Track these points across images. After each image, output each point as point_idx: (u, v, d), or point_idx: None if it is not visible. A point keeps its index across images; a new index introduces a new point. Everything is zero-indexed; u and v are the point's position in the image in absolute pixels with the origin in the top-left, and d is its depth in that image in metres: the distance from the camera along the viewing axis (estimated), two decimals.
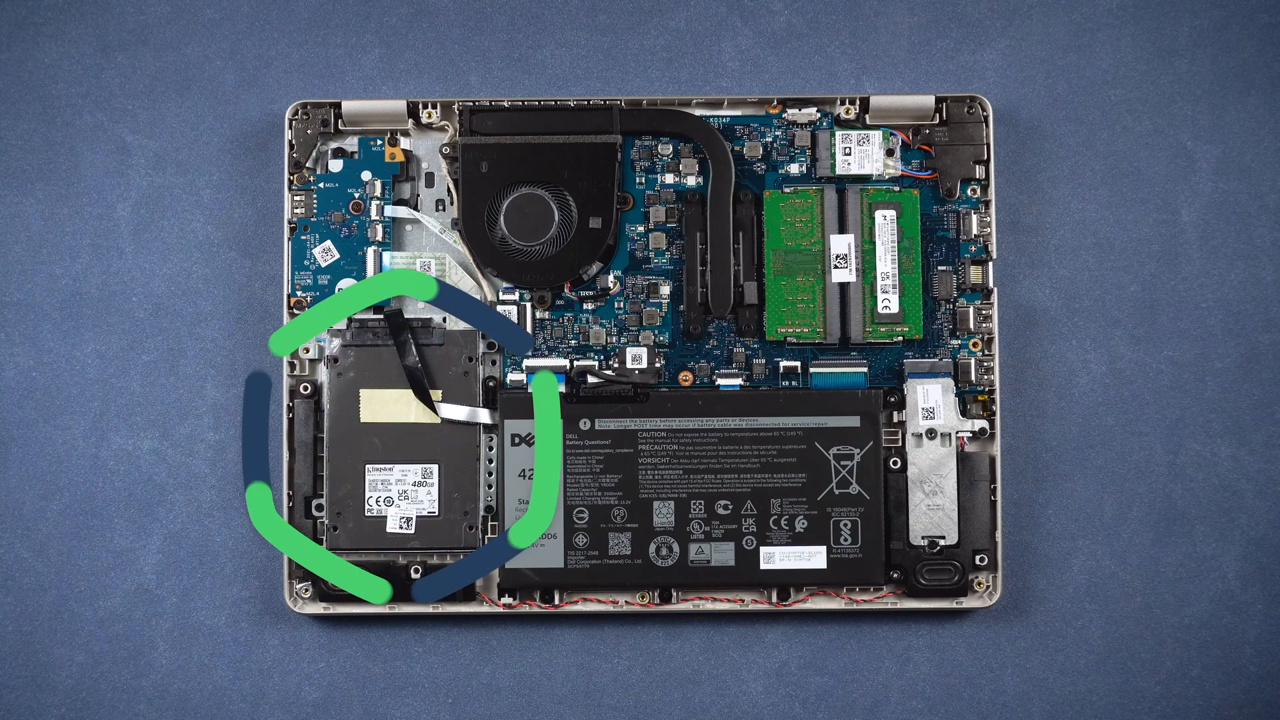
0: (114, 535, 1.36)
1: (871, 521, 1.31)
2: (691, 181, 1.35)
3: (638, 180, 1.35)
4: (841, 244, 1.33)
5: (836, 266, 1.33)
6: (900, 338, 1.33)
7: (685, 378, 1.34)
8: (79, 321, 1.37)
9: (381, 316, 1.33)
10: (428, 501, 1.32)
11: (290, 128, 1.34)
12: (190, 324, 1.37)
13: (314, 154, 1.34)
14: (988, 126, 1.34)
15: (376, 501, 1.32)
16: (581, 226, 1.32)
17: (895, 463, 1.32)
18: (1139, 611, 1.36)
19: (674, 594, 1.33)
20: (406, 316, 1.33)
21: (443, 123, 1.35)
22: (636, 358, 1.33)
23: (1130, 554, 1.36)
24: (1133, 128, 1.38)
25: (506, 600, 1.33)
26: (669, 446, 1.32)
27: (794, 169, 1.35)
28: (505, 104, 1.33)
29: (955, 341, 1.34)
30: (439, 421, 1.32)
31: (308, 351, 1.33)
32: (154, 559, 1.36)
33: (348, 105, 1.34)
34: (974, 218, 1.34)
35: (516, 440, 1.32)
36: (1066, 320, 1.37)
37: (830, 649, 1.36)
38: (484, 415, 1.32)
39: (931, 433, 1.32)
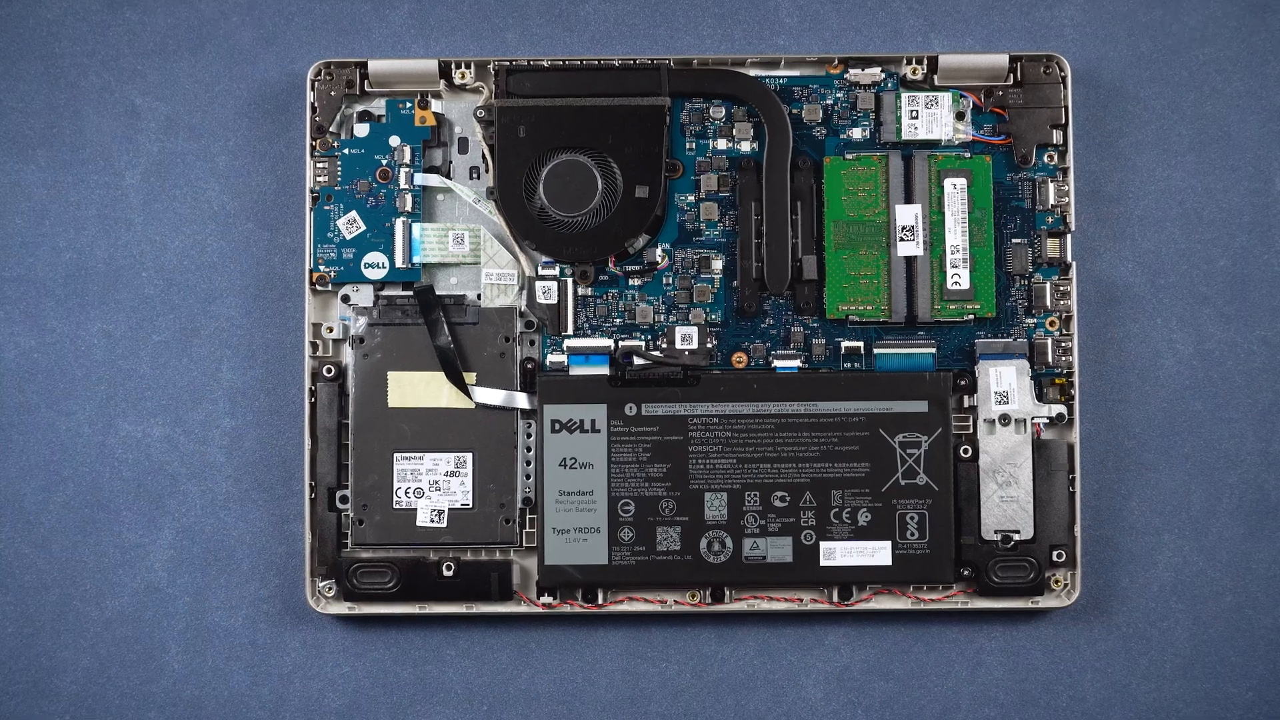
0: (122, 529, 1.36)
1: (940, 515, 1.31)
2: (746, 147, 1.35)
3: (688, 146, 1.35)
4: (908, 215, 1.32)
5: (902, 239, 1.32)
6: (971, 316, 1.33)
7: (739, 359, 1.34)
8: (84, 299, 1.36)
9: (411, 293, 1.32)
10: (461, 493, 1.31)
11: (312, 89, 1.34)
12: (204, 301, 1.36)
13: (338, 118, 1.34)
14: (1066, 88, 1.33)
15: (405, 493, 1.31)
16: (627, 196, 1.32)
17: (966, 451, 1.32)
18: (1229, 612, 1.35)
19: (727, 593, 1.32)
20: (438, 293, 1.32)
21: (477, 84, 1.34)
22: (686, 337, 1.33)
23: (1220, 550, 1.35)
24: (1223, 89, 1.37)
25: (546, 600, 1.32)
26: (721, 433, 1.31)
27: (856, 134, 1.35)
28: (545, 63, 1.33)
29: (1031, 320, 1.34)
30: (473, 406, 1.31)
31: (331, 331, 1.33)
32: (165, 555, 1.35)
33: (374, 65, 1.34)
34: (1051, 186, 1.34)
35: (557, 426, 1.31)
36: (1151, 297, 1.36)
37: (896, 652, 1.35)
38: (521, 400, 1.31)
39: (1005, 419, 1.31)
